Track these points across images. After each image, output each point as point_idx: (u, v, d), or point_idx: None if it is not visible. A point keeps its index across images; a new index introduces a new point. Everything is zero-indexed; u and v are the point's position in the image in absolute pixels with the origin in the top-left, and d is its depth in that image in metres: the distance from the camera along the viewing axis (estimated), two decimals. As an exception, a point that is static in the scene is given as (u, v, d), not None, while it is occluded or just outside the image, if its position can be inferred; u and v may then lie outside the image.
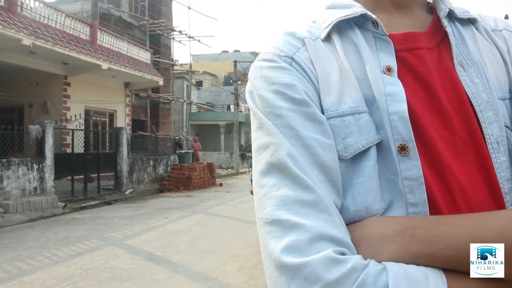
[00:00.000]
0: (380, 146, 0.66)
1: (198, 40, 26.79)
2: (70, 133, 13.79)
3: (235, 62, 29.24)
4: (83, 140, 14.33)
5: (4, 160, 10.56)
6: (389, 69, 0.70)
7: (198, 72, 33.97)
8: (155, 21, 23.70)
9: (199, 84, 38.85)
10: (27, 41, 12.37)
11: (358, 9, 0.74)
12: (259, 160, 0.65)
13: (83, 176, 13.68)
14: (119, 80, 19.25)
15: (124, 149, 15.70)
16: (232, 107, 32.90)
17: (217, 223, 9.80)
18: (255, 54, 50.60)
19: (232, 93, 29.14)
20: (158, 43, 24.70)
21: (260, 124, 0.67)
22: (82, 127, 15.09)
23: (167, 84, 24.25)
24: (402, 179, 0.63)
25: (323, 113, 0.67)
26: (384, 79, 0.68)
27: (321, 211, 0.58)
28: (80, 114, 15.52)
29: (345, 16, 0.74)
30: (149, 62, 20.96)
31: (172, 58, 26.91)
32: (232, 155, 29.20)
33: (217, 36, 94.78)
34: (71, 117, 15.19)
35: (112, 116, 19.79)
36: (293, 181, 0.60)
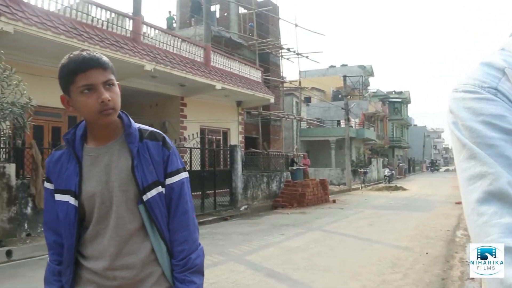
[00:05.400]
0: None
1: (307, 57, 26.83)
2: (188, 151, 14.38)
3: (344, 76, 28.92)
4: (199, 157, 14.88)
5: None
6: None
7: (307, 88, 34.03)
8: (264, 40, 24.20)
9: (308, 100, 38.92)
10: (149, 66, 13.24)
11: None
12: (473, 189, 0.67)
13: (200, 193, 14.13)
14: (232, 99, 19.87)
15: (239, 166, 16.01)
16: (342, 122, 32.45)
17: (334, 240, 9.53)
18: (363, 68, 49.65)
19: (342, 108, 28.71)
20: (267, 61, 25.17)
21: (472, 155, 0.68)
22: (199, 146, 15.69)
23: (277, 101, 24.55)
24: None
25: None
26: None
27: None
28: (196, 133, 16.21)
29: None
30: (260, 81, 21.39)
31: (281, 76, 27.25)
32: (344, 171, 28.60)
33: (324, 51, 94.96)
34: (188, 136, 15.89)
35: (225, 134, 20.43)
36: None
